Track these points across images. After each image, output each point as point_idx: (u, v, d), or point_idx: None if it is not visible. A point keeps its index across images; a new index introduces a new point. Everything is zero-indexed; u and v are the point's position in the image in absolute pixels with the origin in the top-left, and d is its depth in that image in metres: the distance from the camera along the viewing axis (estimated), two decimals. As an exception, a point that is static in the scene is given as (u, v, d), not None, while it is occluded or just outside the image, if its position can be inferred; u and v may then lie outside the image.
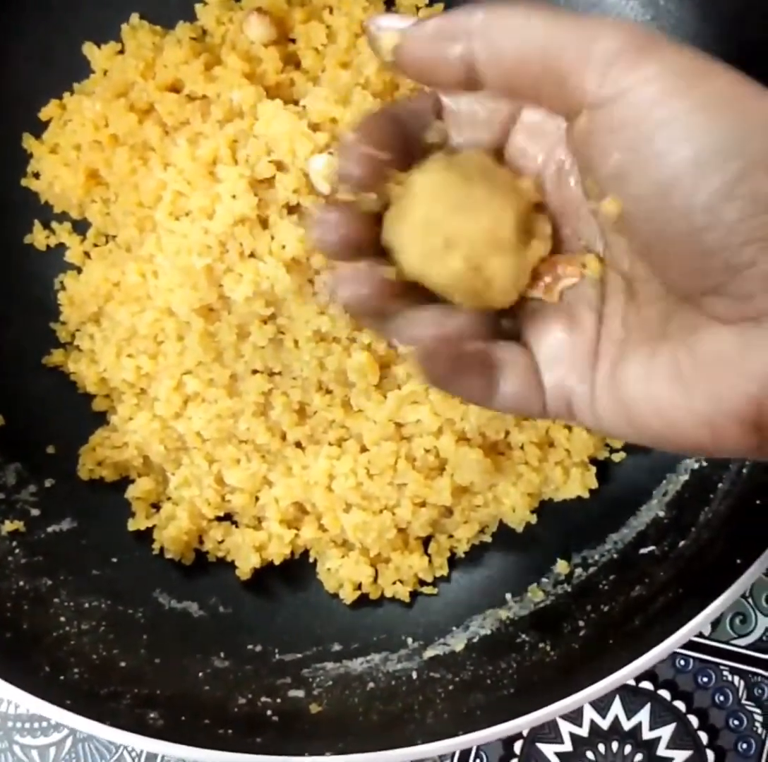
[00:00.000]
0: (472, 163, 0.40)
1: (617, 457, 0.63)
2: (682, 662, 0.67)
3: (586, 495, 0.61)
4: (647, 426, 0.38)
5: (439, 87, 0.40)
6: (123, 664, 0.56)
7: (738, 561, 0.51)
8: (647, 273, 0.38)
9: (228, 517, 0.62)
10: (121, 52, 0.64)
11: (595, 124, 0.36)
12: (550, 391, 0.41)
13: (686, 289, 0.37)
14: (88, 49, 0.65)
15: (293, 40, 0.64)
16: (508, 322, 0.42)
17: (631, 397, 0.38)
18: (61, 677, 0.52)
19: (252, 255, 0.57)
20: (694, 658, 0.67)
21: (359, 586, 0.61)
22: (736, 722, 0.67)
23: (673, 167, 0.34)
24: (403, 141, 0.40)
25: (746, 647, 0.68)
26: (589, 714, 0.67)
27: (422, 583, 0.62)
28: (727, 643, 0.68)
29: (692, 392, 0.36)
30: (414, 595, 0.62)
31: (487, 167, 0.40)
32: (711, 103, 0.34)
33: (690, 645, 0.67)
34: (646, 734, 0.67)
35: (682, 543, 0.57)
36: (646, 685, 0.67)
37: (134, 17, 0.65)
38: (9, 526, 0.59)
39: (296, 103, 0.61)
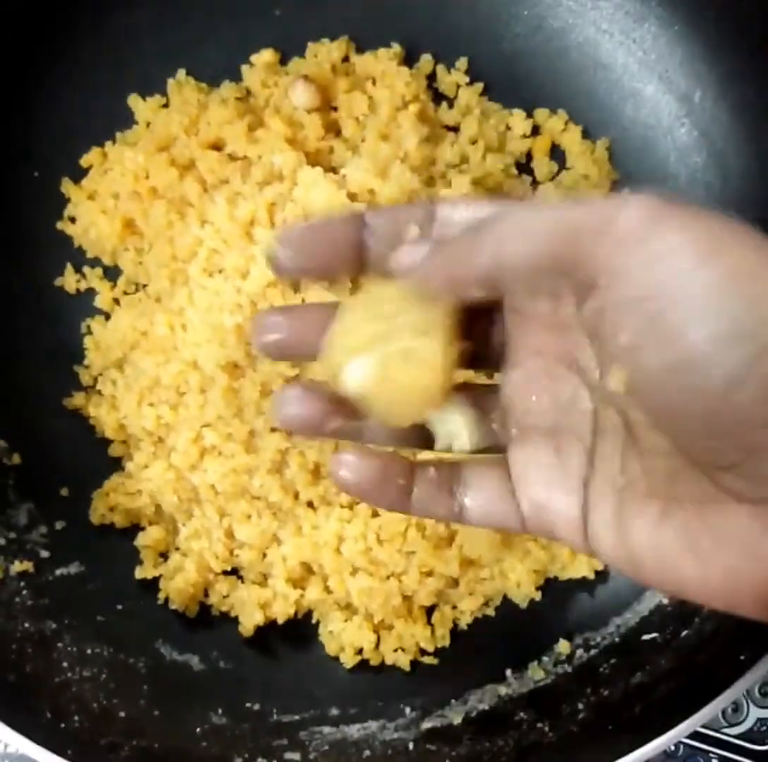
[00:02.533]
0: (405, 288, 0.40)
1: (624, 540, 0.63)
2: (672, 747, 0.67)
3: (591, 576, 0.62)
4: (654, 580, 0.38)
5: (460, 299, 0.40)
6: (123, 714, 0.56)
7: (741, 657, 0.51)
8: (650, 424, 0.37)
9: (234, 572, 0.63)
10: (166, 105, 0.66)
11: (607, 302, 0.35)
12: (531, 510, 0.41)
13: (699, 461, 0.36)
14: (133, 100, 0.66)
15: (335, 109, 0.65)
16: (497, 428, 0.43)
17: (638, 551, 0.38)
18: (62, 725, 0.52)
19: (282, 316, 0.58)
20: (684, 744, 0.67)
21: (360, 651, 0.61)
22: (723, 811, 0.67)
23: (686, 348, 0.33)
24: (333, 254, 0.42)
25: (737, 737, 0.68)
26: (578, 793, 0.67)
27: (423, 652, 0.62)
28: (718, 731, 0.68)
29: (707, 565, 0.36)
30: (414, 663, 0.62)
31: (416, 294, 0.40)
32: (725, 281, 0.33)
33: (682, 731, 0.67)
34: (633, 818, 0.67)
35: (684, 632, 0.57)
36: (635, 767, 0.67)
37: (181, 73, 0.66)
38: (18, 566, 0.59)
39: (334, 170, 0.62)
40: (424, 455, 0.53)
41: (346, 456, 0.41)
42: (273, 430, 0.61)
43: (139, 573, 0.62)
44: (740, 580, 0.35)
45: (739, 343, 0.33)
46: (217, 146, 0.64)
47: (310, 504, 0.62)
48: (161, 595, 0.62)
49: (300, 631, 0.62)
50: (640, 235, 0.34)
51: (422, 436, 0.44)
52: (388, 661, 0.62)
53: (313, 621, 0.63)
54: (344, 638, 0.61)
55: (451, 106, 0.67)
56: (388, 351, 0.39)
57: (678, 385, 0.34)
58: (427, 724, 0.59)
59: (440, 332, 0.39)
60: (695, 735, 0.67)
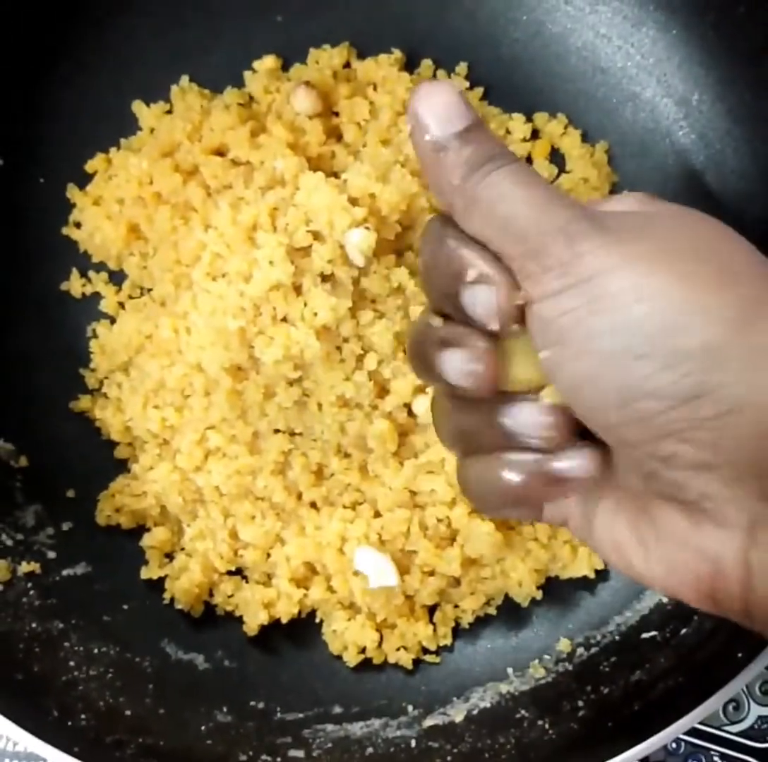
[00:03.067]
0: None
1: (624, 540, 0.64)
2: (674, 745, 0.68)
3: (592, 575, 0.62)
4: (616, 567, 0.41)
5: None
6: (128, 712, 0.56)
7: (740, 654, 0.52)
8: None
9: (239, 572, 0.63)
10: (170, 112, 0.67)
11: (533, 319, 0.37)
12: (549, 509, 0.43)
13: (629, 468, 0.38)
14: (137, 107, 0.67)
15: (337, 114, 0.66)
16: None
17: (600, 539, 0.41)
18: (69, 723, 0.53)
19: (284, 320, 0.59)
20: (685, 741, 0.68)
21: (363, 650, 0.62)
22: (724, 809, 0.68)
23: (586, 366, 0.35)
24: None
25: (738, 734, 0.68)
26: (579, 791, 0.67)
27: (425, 651, 0.63)
28: (718, 728, 0.68)
29: (651, 555, 0.38)
30: (417, 662, 0.62)
31: None
32: (633, 299, 0.35)
33: (683, 729, 0.68)
34: (635, 815, 0.67)
35: (684, 630, 0.57)
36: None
37: (184, 79, 0.67)
38: (25, 567, 0.60)
39: (336, 175, 0.63)
40: None
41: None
42: (276, 431, 0.61)
43: (145, 573, 0.63)
44: (678, 571, 0.37)
45: (637, 356, 0.34)
46: (220, 152, 0.65)
47: (313, 504, 0.63)
48: (167, 595, 0.62)
49: (303, 630, 0.63)
50: (560, 262, 0.36)
51: None
52: (391, 660, 0.62)
53: (317, 620, 0.63)
54: (347, 637, 0.62)
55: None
56: None
57: (586, 399, 0.36)
58: (429, 722, 0.60)
59: None
60: (696, 732, 0.68)
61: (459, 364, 0.40)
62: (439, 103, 0.39)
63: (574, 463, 0.40)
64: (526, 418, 0.40)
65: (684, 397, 0.34)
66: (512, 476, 0.40)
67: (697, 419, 0.34)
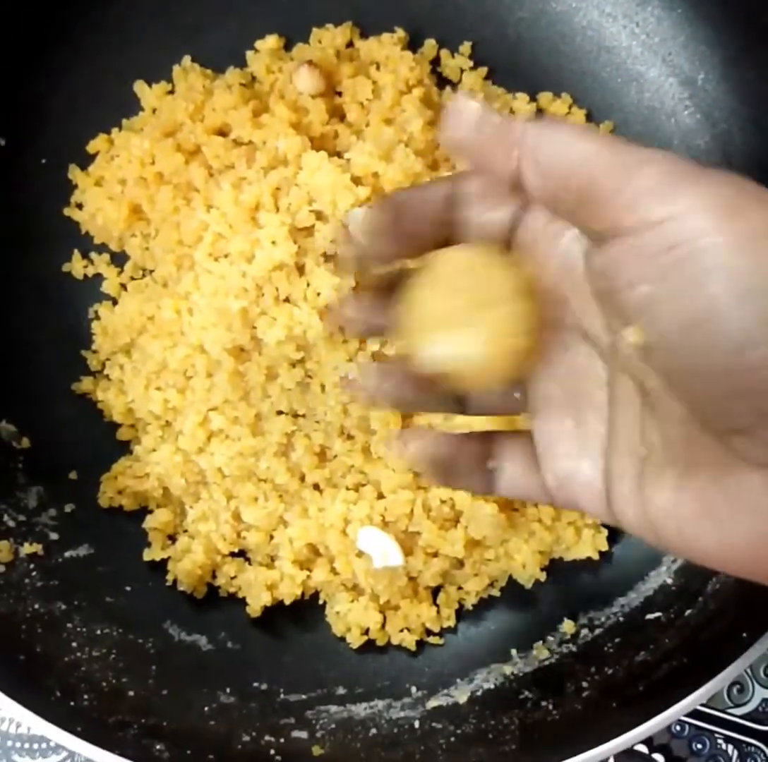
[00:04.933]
0: (482, 255, 0.41)
1: (628, 521, 0.64)
2: (678, 727, 0.68)
3: (596, 556, 0.62)
4: (676, 547, 0.38)
5: (488, 173, 0.40)
6: (131, 693, 0.56)
7: (744, 635, 0.52)
8: (665, 389, 0.37)
9: (242, 554, 0.63)
10: (171, 92, 0.66)
11: (624, 252, 0.35)
12: (556, 483, 0.42)
13: (714, 425, 0.36)
14: (139, 87, 0.66)
15: (339, 94, 0.66)
16: (521, 397, 0.44)
17: (659, 518, 0.38)
18: (72, 703, 0.53)
19: (287, 300, 0.59)
20: (690, 724, 0.68)
21: (366, 632, 0.62)
22: (728, 791, 0.68)
23: (703, 303, 0.33)
24: (410, 228, 0.42)
25: (742, 717, 0.68)
26: (583, 773, 0.67)
27: (429, 632, 0.63)
28: (723, 711, 0.68)
29: (724, 531, 0.36)
30: (420, 644, 0.62)
31: (494, 260, 0.41)
32: (745, 240, 0.33)
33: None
34: (639, 797, 0.67)
35: (688, 611, 0.57)
36: (641, 748, 0.68)
37: (186, 59, 0.67)
38: (28, 548, 0.60)
39: (339, 154, 0.62)
40: (457, 425, 0.55)
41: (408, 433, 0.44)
42: (279, 413, 0.61)
43: (148, 555, 0.62)
44: (757, 546, 0.35)
45: (756, 300, 0.32)
46: (223, 132, 0.64)
47: (316, 486, 0.62)
48: (169, 577, 0.62)
49: (306, 612, 0.63)
50: (658, 192, 0.34)
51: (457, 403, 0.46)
52: (394, 641, 0.62)
53: (320, 602, 0.63)
54: (350, 619, 0.62)
55: (455, 90, 0.67)
56: (485, 319, 0.39)
57: (693, 342, 0.34)
58: (432, 703, 0.60)
59: (529, 295, 0.40)
60: (700, 715, 0.68)
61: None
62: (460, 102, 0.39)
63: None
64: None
65: None
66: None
67: None
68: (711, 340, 0.33)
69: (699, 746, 0.68)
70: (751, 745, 0.68)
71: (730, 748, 0.68)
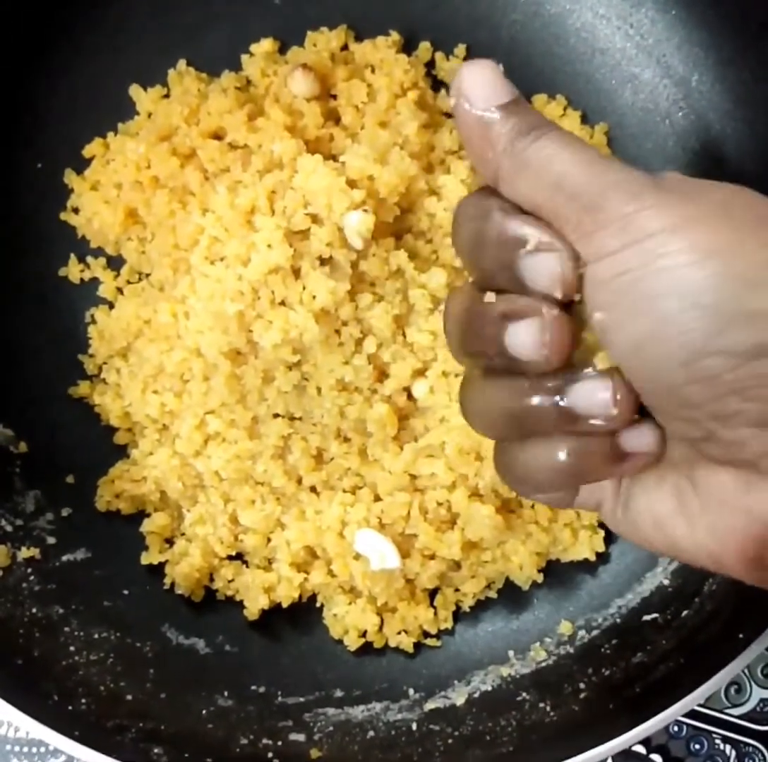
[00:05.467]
0: None
1: (625, 523, 0.64)
2: (676, 728, 0.68)
3: (593, 558, 0.62)
4: (653, 542, 0.40)
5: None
6: (129, 697, 0.56)
7: (740, 635, 0.52)
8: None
9: (239, 557, 0.63)
10: (167, 96, 0.66)
11: (590, 280, 0.37)
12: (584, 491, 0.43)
13: (680, 434, 0.38)
14: (135, 91, 0.67)
15: (334, 96, 0.66)
16: None
17: (638, 517, 0.40)
18: (69, 707, 0.53)
19: (283, 303, 0.59)
20: (687, 724, 0.68)
21: (364, 634, 0.62)
22: (726, 791, 0.68)
23: (653, 320, 0.35)
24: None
25: (740, 717, 0.68)
26: (581, 774, 0.67)
27: (426, 634, 0.63)
28: (721, 711, 0.68)
29: (695, 525, 0.38)
30: (417, 646, 0.62)
31: None
32: (696, 257, 0.34)
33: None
34: (637, 798, 0.67)
35: (685, 612, 0.57)
36: (639, 748, 0.68)
37: (181, 63, 0.67)
38: (25, 552, 0.60)
39: (334, 158, 0.62)
40: None
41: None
42: (275, 415, 0.61)
43: (145, 558, 0.63)
44: (723, 539, 0.37)
45: (705, 315, 0.34)
46: (218, 135, 0.64)
47: (313, 489, 0.62)
48: (167, 580, 0.62)
49: (304, 615, 0.63)
50: (621, 219, 0.35)
51: None
52: (392, 644, 0.62)
53: (318, 604, 0.63)
54: (348, 621, 0.62)
55: (449, 93, 0.67)
56: None
57: (646, 361, 0.36)
58: (430, 705, 0.60)
59: None
60: (698, 716, 0.68)
61: (531, 336, 0.38)
62: (483, 79, 0.40)
63: (643, 439, 0.39)
64: (590, 397, 0.38)
65: (753, 354, 0.34)
66: (573, 457, 0.39)
67: (764, 376, 0.34)
68: (662, 358, 0.35)
69: (697, 747, 0.68)
70: (749, 745, 0.68)
71: (728, 748, 0.68)
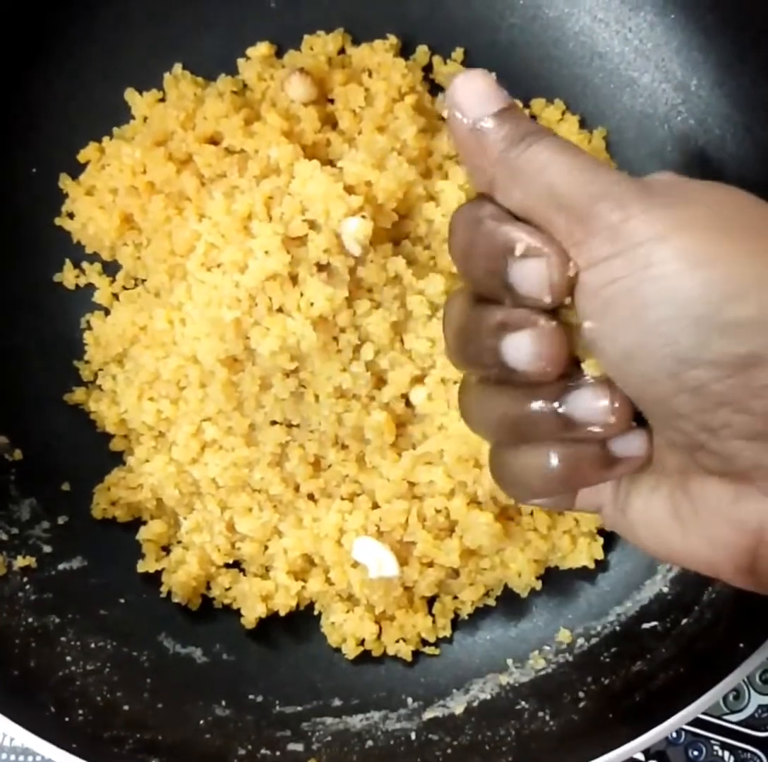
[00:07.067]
0: None
1: (624, 530, 0.64)
2: (674, 734, 0.68)
3: (591, 565, 0.62)
4: (650, 548, 0.41)
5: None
6: (126, 707, 0.56)
7: (741, 645, 0.52)
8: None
9: (236, 565, 0.63)
10: (162, 100, 0.66)
11: (580, 289, 0.37)
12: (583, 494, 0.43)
13: (673, 442, 0.38)
14: (130, 95, 0.66)
15: (332, 101, 0.65)
16: None
17: (635, 521, 0.40)
18: (66, 718, 0.53)
19: (280, 310, 0.58)
20: (686, 731, 0.68)
21: (362, 642, 0.62)
22: (725, 797, 0.68)
23: (640, 331, 0.35)
24: None
25: (738, 723, 0.68)
26: (580, 781, 0.67)
27: (425, 642, 0.62)
28: (719, 717, 0.68)
29: (689, 532, 0.38)
30: (416, 654, 0.62)
31: None
32: (681, 266, 0.34)
33: (683, 718, 0.68)
34: (635, 805, 0.67)
35: (684, 621, 0.57)
36: (637, 754, 0.67)
37: (177, 67, 0.66)
38: (21, 561, 0.59)
39: (332, 163, 0.62)
40: None
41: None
42: (273, 423, 0.61)
43: (142, 567, 0.62)
44: (717, 546, 0.37)
45: (690, 326, 0.34)
46: (214, 140, 0.64)
47: (310, 496, 0.62)
48: (164, 589, 0.62)
49: (301, 623, 0.63)
50: (610, 228, 0.35)
51: None
52: (390, 652, 0.62)
53: (315, 613, 0.63)
54: (346, 629, 0.62)
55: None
56: None
57: (636, 371, 0.36)
58: (429, 714, 0.59)
59: None
60: (697, 722, 0.68)
61: (528, 347, 0.38)
62: (476, 88, 0.40)
63: (632, 444, 0.39)
64: (589, 405, 0.38)
65: (740, 365, 0.34)
66: (567, 463, 0.40)
67: (753, 388, 0.34)
68: (651, 368, 0.35)
69: (695, 753, 0.68)
70: (747, 751, 0.68)
71: (727, 754, 0.68)
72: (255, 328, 0.58)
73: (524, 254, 0.37)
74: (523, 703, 0.58)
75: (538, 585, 0.62)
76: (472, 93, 0.39)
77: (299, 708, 0.60)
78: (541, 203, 0.37)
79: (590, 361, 0.38)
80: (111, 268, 0.66)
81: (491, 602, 0.63)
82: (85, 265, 0.66)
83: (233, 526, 0.62)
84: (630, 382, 0.36)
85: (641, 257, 0.34)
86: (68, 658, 0.57)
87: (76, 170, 0.66)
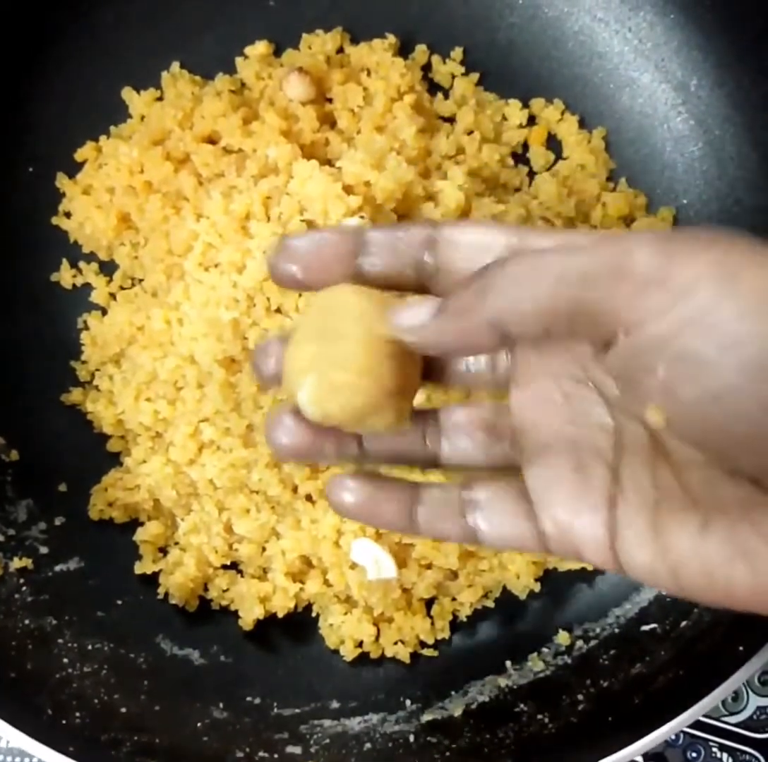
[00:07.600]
0: (351, 293, 0.38)
1: (623, 531, 0.63)
2: (672, 736, 0.68)
3: (590, 567, 0.62)
4: (698, 591, 0.36)
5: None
6: (124, 709, 0.56)
7: (740, 648, 0.51)
8: (685, 443, 0.36)
9: (234, 566, 0.63)
10: (160, 99, 0.66)
11: (636, 346, 0.34)
12: (555, 531, 0.39)
13: (741, 473, 0.35)
14: (127, 94, 0.66)
15: (330, 100, 0.65)
16: (509, 449, 0.41)
17: (680, 564, 0.36)
18: (63, 721, 0.52)
19: (278, 311, 0.58)
20: (684, 732, 0.68)
21: (360, 644, 0.62)
22: (723, 799, 0.67)
23: (723, 377, 0.32)
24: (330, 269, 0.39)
25: (736, 725, 0.68)
26: (578, 783, 0.67)
27: (423, 644, 0.62)
28: (717, 719, 0.68)
29: (759, 570, 0.34)
30: (414, 656, 0.62)
31: (357, 299, 0.38)
32: (748, 307, 0.32)
33: (681, 719, 0.68)
34: (633, 806, 0.67)
35: (683, 623, 0.57)
36: (636, 756, 0.67)
37: (175, 66, 0.66)
38: (17, 563, 0.59)
39: (330, 163, 0.62)
40: (434, 476, 0.52)
41: (343, 480, 0.40)
42: (271, 424, 0.61)
43: (139, 568, 0.62)
44: None
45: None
46: (212, 140, 0.64)
47: (308, 497, 0.62)
48: (161, 590, 0.62)
49: (300, 624, 0.62)
50: (656, 275, 0.33)
51: (428, 456, 0.43)
52: (388, 654, 0.62)
53: (313, 614, 0.63)
54: (344, 631, 0.61)
55: (446, 96, 0.67)
56: (321, 366, 0.37)
57: (712, 416, 0.33)
58: (427, 717, 0.59)
59: (367, 334, 0.37)
60: (695, 724, 0.67)
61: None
62: (410, 320, 0.37)
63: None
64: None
65: None
66: None
67: None
68: (731, 414, 0.33)
69: (694, 755, 0.68)
70: (745, 753, 0.68)
71: (725, 756, 0.68)
72: (253, 329, 0.58)
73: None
74: (521, 705, 0.58)
75: (537, 587, 0.62)
76: (410, 320, 0.37)
77: (297, 710, 0.60)
78: (558, 292, 0.34)
79: (652, 408, 0.35)
80: (108, 268, 0.66)
81: (490, 604, 0.63)
82: (82, 264, 0.66)
83: (231, 528, 0.62)
84: (712, 421, 0.34)
85: (703, 299, 0.32)
86: (65, 660, 0.57)
87: (73, 169, 0.66)
